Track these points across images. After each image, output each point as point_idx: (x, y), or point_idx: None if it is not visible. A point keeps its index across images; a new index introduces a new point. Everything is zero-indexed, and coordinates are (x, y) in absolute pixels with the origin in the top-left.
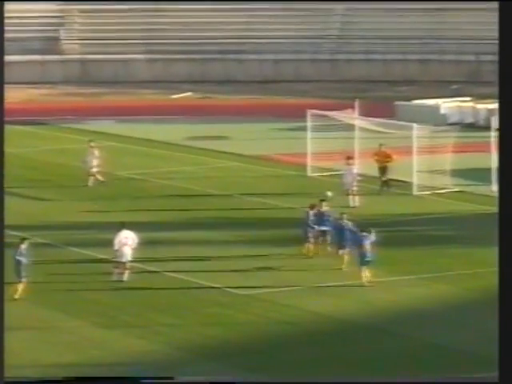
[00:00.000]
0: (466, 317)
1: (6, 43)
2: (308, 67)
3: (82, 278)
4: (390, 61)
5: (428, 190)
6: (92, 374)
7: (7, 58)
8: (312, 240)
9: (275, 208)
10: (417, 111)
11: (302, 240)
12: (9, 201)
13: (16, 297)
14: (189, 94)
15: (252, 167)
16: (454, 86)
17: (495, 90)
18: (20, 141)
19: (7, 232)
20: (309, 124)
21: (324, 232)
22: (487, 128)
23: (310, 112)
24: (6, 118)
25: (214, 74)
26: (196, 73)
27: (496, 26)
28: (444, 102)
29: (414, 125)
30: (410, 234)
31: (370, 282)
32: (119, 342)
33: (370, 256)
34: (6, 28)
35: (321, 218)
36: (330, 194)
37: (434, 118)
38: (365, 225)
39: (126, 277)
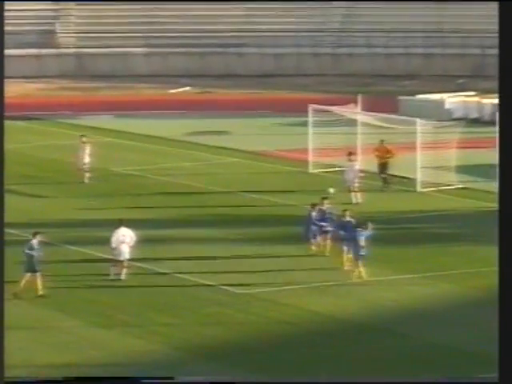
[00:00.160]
0: (470, 316)
1: None
2: (309, 61)
3: (79, 277)
4: (392, 54)
5: (432, 187)
6: (89, 374)
7: None
8: (315, 239)
9: (276, 205)
10: (420, 106)
11: (303, 238)
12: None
13: (40, 293)
14: (188, 88)
15: (252, 163)
16: (459, 81)
17: None
18: (15, 136)
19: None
20: (310, 119)
21: (326, 230)
22: (493, 123)
23: (311, 107)
24: None
25: (214, 67)
26: (195, 67)
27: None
28: (448, 97)
29: (418, 120)
30: (414, 231)
31: (361, 278)
32: (117, 341)
33: (364, 251)
34: None
35: (323, 216)
36: (331, 190)
37: (438, 113)
38: (365, 222)
39: (123, 275)
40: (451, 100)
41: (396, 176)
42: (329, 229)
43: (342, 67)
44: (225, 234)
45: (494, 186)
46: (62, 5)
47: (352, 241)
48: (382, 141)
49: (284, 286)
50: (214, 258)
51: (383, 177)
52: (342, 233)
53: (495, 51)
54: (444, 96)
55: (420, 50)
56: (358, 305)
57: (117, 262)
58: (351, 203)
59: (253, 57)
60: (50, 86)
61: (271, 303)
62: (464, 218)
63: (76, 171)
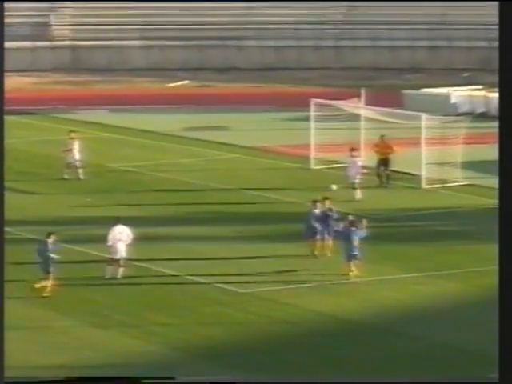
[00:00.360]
0: (477, 316)
1: None
2: (311, 54)
3: (75, 276)
4: (397, 47)
5: (437, 184)
6: (86, 375)
7: None
8: (314, 237)
9: (277, 202)
10: (426, 100)
11: (304, 236)
12: None
13: (45, 295)
14: (186, 82)
15: (253, 159)
16: (465, 74)
17: None
18: (8, 131)
19: None
20: (312, 114)
21: (328, 230)
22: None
23: (313, 101)
24: None
25: (213, 61)
26: (194, 60)
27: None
28: (454, 91)
29: (423, 115)
30: (419, 229)
31: (347, 276)
32: (114, 342)
33: (356, 251)
34: None
35: (325, 215)
36: (334, 187)
37: (444, 108)
38: (369, 219)
39: (120, 274)
40: (457, 94)
41: (400, 172)
42: (330, 227)
43: (345, 60)
44: (224, 231)
45: None
46: None
47: (345, 240)
48: (382, 136)
49: (285, 285)
50: (213, 256)
51: (386, 173)
52: (336, 231)
53: None
54: (450, 90)
55: (425, 43)
56: (360, 304)
57: (113, 261)
58: (353, 200)
59: (253, 50)
60: (44, 80)
61: (271, 302)
62: (470, 215)
63: (64, 168)
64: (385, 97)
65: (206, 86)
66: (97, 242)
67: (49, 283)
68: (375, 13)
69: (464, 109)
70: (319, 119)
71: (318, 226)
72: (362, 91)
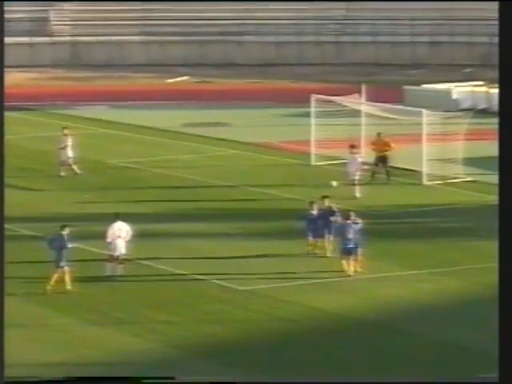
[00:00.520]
0: (478, 314)
1: None
2: (312, 50)
3: (73, 273)
4: (398, 43)
5: (439, 180)
6: (84, 373)
7: None
8: (314, 236)
9: (277, 199)
10: (427, 96)
11: (304, 234)
12: None
13: (69, 287)
14: (186, 77)
15: (253, 155)
16: (467, 70)
17: None
18: (6, 127)
19: None
20: (313, 110)
21: (329, 228)
22: None
23: (314, 97)
24: None
25: (213, 56)
26: (193, 55)
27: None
28: (456, 87)
29: (424, 111)
30: (420, 225)
31: (345, 273)
32: (112, 340)
33: (351, 244)
34: None
35: (324, 214)
36: (334, 183)
37: (446, 104)
38: (370, 216)
39: (119, 271)
40: (458, 90)
41: (400, 169)
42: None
43: (346, 56)
44: (224, 228)
45: None
46: None
47: (340, 234)
48: (379, 133)
49: (285, 282)
50: (213, 253)
51: (386, 170)
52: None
53: None
54: (451, 86)
55: (426, 39)
56: (361, 302)
57: (112, 257)
58: (353, 197)
59: (253, 45)
60: (43, 76)
61: (272, 300)
62: (472, 211)
63: (58, 165)
64: (386, 93)
65: (206, 81)
66: (96, 238)
67: (65, 277)
68: (376, 8)
69: (465, 105)
70: (320, 115)
71: (318, 224)
72: (363, 87)
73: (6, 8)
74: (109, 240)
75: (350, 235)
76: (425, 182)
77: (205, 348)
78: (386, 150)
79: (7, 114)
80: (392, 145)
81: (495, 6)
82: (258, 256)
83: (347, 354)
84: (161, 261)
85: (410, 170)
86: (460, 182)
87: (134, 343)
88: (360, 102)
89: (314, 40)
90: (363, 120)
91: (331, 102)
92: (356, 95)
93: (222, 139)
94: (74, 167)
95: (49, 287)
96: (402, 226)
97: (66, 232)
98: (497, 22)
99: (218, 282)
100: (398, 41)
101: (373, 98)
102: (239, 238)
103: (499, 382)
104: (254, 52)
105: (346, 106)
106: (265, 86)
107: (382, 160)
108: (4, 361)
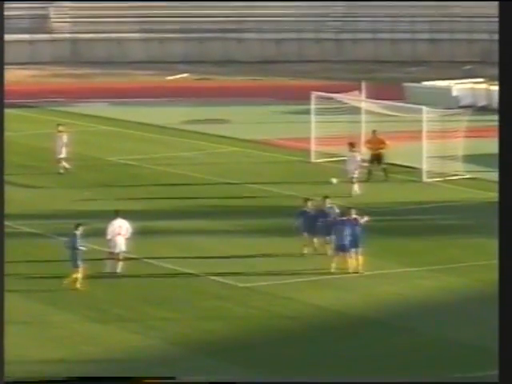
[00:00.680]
0: (479, 310)
1: None
2: (312, 47)
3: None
4: (398, 40)
5: (439, 177)
6: (84, 370)
7: None
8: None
9: (277, 196)
10: (427, 93)
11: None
12: None
13: (78, 286)
14: (186, 75)
15: (253, 152)
16: (467, 67)
17: None
18: (6, 124)
19: None
20: (313, 107)
21: (328, 229)
22: None
23: (314, 94)
24: None
25: (213, 53)
26: (194, 53)
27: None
28: (456, 84)
29: (424, 108)
30: (420, 222)
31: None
32: (112, 337)
33: (345, 241)
34: None
35: (323, 213)
36: (334, 180)
37: (445, 101)
38: (370, 213)
39: (119, 268)
40: (459, 87)
41: (400, 166)
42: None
43: (346, 53)
44: (224, 225)
45: None
46: None
47: (335, 230)
48: (374, 131)
49: (285, 279)
50: (213, 250)
51: (383, 168)
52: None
53: None
54: (451, 83)
55: (426, 36)
56: (362, 299)
57: (112, 255)
58: (352, 194)
59: (253, 42)
60: (43, 73)
61: (272, 297)
62: (472, 209)
63: (56, 163)
64: (386, 90)
65: (205, 78)
66: (96, 235)
67: (78, 276)
68: (376, 5)
69: (465, 102)
70: (320, 112)
71: (313, 222)
72: (363, 84)
73: (5, 5)
74: (109, 237)
75: (345, 233)
76: (425, 179)
77: (205, 345)
78: (381, 148)
79: (7, 111)
80: (387, 142)
81: (495, 3)
82: (257, 253)
83: (347, 350)
84: (160, 258)
85: (410, 167)
86: (460, 179)
87: (134, 340)
88: (360, 100)
89: (314, 37)
90: (363, 117)
91: (331, 99)
92: (356, 92)
93: (221, 136)
94: (65, 164)
95: (64, 284)
96: (401, 223)
97: (79, 232)
98: (497, 19)
99: (217, 278)
100: (398, 38)
101: (373, 95)
102: (239, 234)
103: (499, 378)
104: (254, 49)
105: (346, 103)
106: (265, 83)
107: (376, 158)
108: (4, 361)
